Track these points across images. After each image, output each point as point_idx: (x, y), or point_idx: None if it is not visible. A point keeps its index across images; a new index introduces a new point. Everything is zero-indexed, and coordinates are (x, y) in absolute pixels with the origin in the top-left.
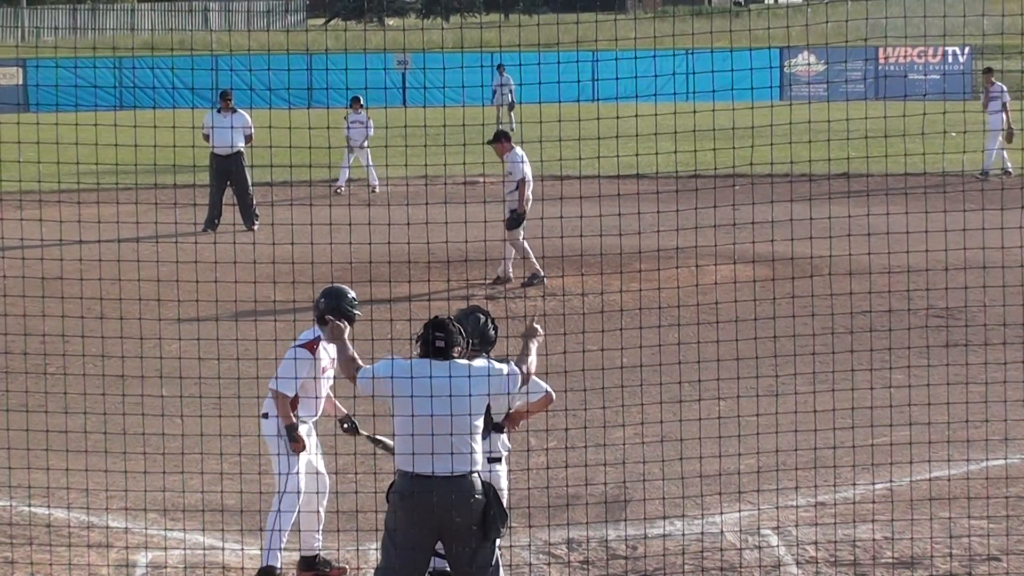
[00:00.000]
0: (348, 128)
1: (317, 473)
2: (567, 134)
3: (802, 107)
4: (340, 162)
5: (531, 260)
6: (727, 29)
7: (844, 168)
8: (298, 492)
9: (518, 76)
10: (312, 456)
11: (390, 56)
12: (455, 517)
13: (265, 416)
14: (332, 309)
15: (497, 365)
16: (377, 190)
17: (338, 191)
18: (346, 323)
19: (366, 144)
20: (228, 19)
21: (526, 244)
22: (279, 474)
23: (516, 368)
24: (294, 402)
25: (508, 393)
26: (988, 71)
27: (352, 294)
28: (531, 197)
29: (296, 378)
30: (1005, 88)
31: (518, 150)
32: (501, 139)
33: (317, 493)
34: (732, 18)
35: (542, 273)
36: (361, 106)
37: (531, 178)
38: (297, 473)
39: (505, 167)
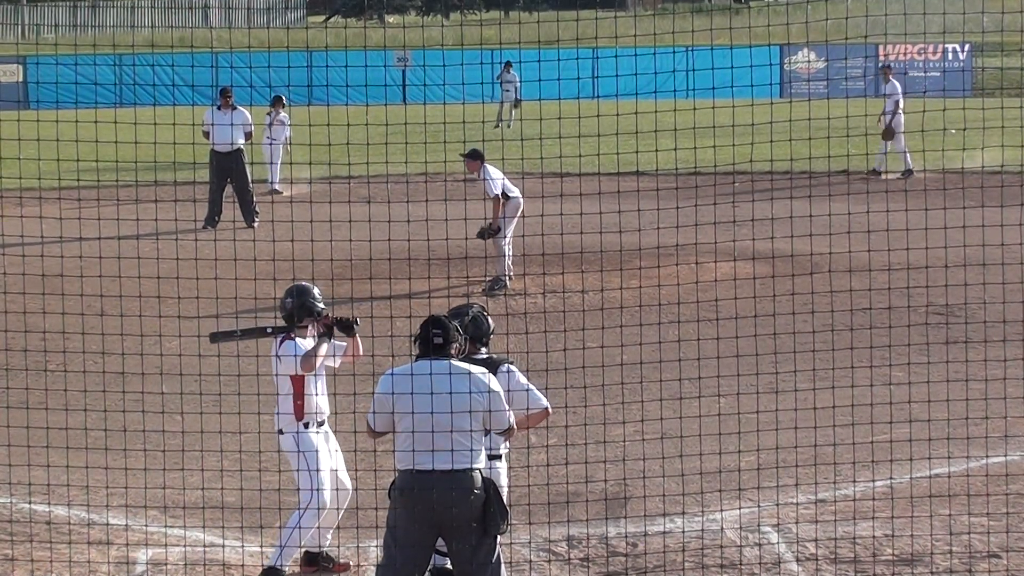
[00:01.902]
0: (273, 126)
1: (334, 471)
2: (567, 131)
3: (802, 104)
4: (340, 159)
5: (504, 264)
6: (727, 26)
7: (844, 165)
8: (320, 509)
9: (518, 73)
10: (330, 458)
11: (390, 53)
12: (454, 511)
13: (281, 432)
14: (299, 306)
15: (495, 387)
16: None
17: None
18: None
19: (283, 143)
20: (228, 16)
21: (507, 247)
22: (303, 490)
23: (507, 415)
24: (299, 409)
25: (490, 411)
26: (886, 68)
27: (316, 291)
28: (521, 201)
29: (288, 356)
30: (899, 87)
31: (489, 168)
32: (472, 157)
33: (338, 490)
34: (732, 15)
35: (505, 279)
36: (283, 105)
37: (513, 191)
38: (322, 490)
39: (480, 185)
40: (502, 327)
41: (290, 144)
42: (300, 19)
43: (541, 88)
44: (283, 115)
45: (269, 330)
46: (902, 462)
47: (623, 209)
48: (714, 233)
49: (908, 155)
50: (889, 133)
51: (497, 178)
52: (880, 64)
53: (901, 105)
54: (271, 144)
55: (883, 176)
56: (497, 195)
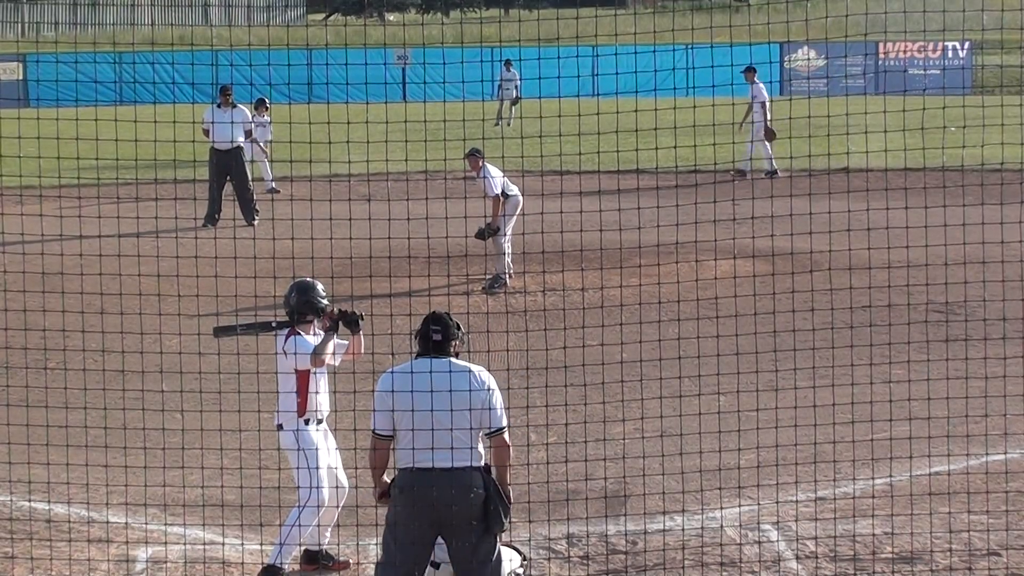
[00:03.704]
0: (257, 128)
1: (332, 468)
2: (567, 129)
3: (802, 102)
4: (341, 157)
5: (503, 262)
6: (727, 24)
7: (844, 163)
8: (319, 506)
9: (518, 71)
10: (329, 456)
11: (390, 51)
12: (454, 509)
13: (280, 428)
14: (303, 303)
15: (494, 385)
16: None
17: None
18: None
19: (263, 143)
20: (228, 14)
21: (507, 245)
22: (301, 487)
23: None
24: (302, 405)
25: (486, 409)
26: (750, 70)
27: (320, 286)
28: (520, 199)
29: (297, 353)
30: (764, 89)
31: (489, 167)
32: (472, 155)
33: (336, 488)
34: (732, 13)
35: (505, 277)
36: (266, 108)
37: (512, 189)
38: (321, 487)
39: (480, 184)
40: (502, 325)
41: (271, 143)
42: (300, 17)
43: (541, 86)
44: (265, 117)
45: (273, 324)
46: (902, 460)
47: (623, 207)
48: (714, 231)
49: (772, 159)
50: (771, 134)
51: (497, 177)
52: (747, 67)
53: (768, 107)
54: (251, 143)
55: (748, 177)
56: (496, 195)
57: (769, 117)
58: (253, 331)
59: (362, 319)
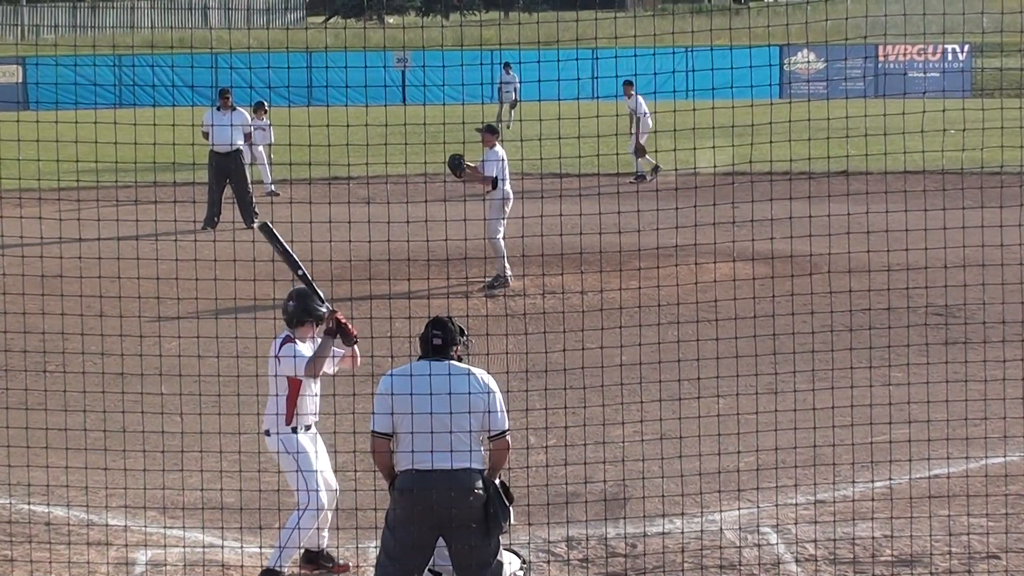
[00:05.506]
0: (256, 131)
1: (321, 472)
2: (567, 132)
3: (802, 105)
4: (340, 159)
5: (502, 264)
6: (727, 27)
7: (843, 166)
8: (319, 509)
9: (518, 74)
10: (318, 459)
11: (390, 54)
12: (453, 511)
13: (267, 434)
14: (302, 310)
15: (495, 387)
16: (276, 192)
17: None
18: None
19: (263, 146)
20: (228, 17)
21: (503, 244)
22: (299, 491)
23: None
24: (291, 411)
25: (488, 411)
26: (628, 83)
27: (320, 293)
28: (511, 194)
29: (295, 357)
30: (643, 103)
31: (499, 149)
32: (488, 132)
33: (327, 492)
34: (732, 16)
35: (506, 277)
36: (265, 111)
37: (507, 178)
38: (318, 490)
39: (481, 160)
40: (501, 328)
41: (271, 146)
42: (299, 20)
43: (541, 88)
44: (264, 120)
45: (300, 273)
46: (901, 463)
47: (622, 210)
48: (713, 234)
49: (640, 164)
50: (641, 151)
51: (501, 162)
52: (626, 81)
53: (648, 119)
54: (251, 146)
55: (649, 179)
56: (492, 177)
57: (642, 130)
58: (287, 260)
59: (356, 340)
